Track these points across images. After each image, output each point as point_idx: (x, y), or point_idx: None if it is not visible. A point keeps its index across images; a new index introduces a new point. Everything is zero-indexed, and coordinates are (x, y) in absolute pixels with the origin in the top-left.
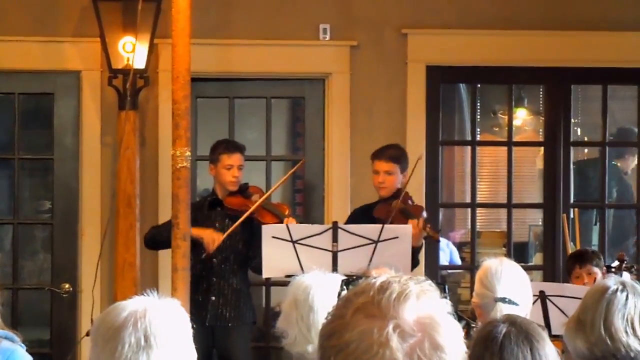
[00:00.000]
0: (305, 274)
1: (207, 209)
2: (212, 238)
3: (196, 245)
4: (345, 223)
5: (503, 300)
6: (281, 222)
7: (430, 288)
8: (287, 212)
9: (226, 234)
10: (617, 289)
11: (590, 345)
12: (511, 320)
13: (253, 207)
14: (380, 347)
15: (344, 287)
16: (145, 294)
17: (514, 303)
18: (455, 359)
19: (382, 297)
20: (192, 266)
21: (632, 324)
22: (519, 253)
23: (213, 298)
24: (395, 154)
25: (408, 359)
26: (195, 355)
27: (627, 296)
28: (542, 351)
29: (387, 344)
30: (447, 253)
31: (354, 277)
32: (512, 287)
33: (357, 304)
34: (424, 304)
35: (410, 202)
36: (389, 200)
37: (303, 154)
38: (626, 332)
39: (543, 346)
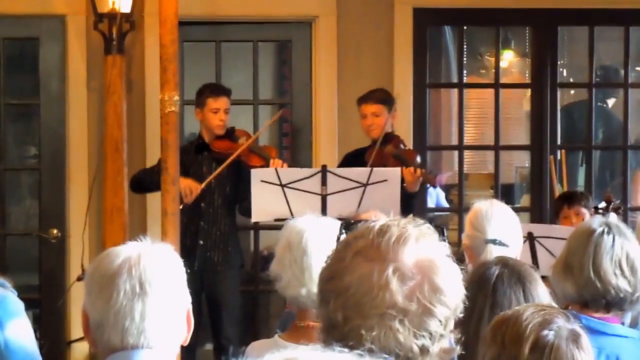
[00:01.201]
0: (298, 217)
1: (194, 153)
2: (190, 188)
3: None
4: (338, 166)
5: (493, 241)
6: (268, 164)
7: (428, 231)
8: (274, 155)
9: (204, 184)
10: (603, 231)
11: (579, 288)
12: (503, 262)
13: (239, 150)
14: (380, 290)
15: (343, 230)
16: (137, 240)
17: (504, 244)
18: (454, 300)
19: (382, 240)
20: (180, 210)
21: (620, 265)
22: (506, 195)
23: (201, 242)
24: (381, 95)
25: (408, 301)
26: (189, 299)
27: (613, 238)
28: (534, 292)
29: (387, 287)
30: (434, 195)
31: (353, 221)
32: (502, 228)
33: (357, 247)
34: (422, 247)
35: (402, 146)
36: (381, 145)
37: (290, 97)
38: (615, 273)
39: (535, 287)
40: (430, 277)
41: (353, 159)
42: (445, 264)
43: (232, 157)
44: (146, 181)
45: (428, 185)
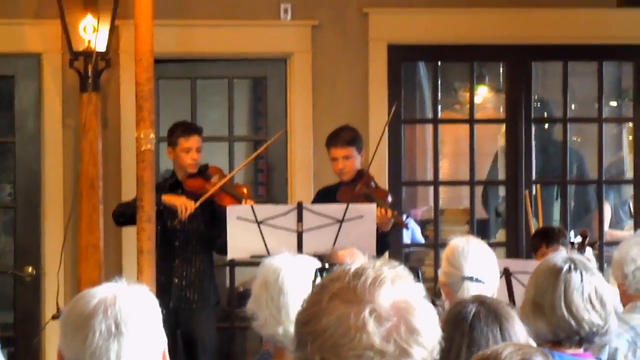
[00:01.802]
0: (275, 255)
1: (168, 190)
2: (185, 205)
3: (163, 214)
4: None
5: (470, 278)
6: (240, 204)
7: (404, 273)
8: (246, 194)
9: (199, 201)
10: (569, 268)
11: (553, 327)
12: (480, 300)
13: (211, 192)
14: (357, 332)
15: (319, 274)
16: (113, 280)
17: (480, 281)
18: (431, 341)
19: (358, 282)
20: (156, 246)
21: (591, 300)
22: (481, 230)
23: (176, 280)
24: (349, 136)
25: (385, 343)
26: (165, 340)
27: (581, 274)
28: (511, 330)
29: (364, 328)
30: (410, 231)
31: (329, 265)
32: (479, 265)
33: (333, 289)
34: (398, 289)
35: (372, 184)
36: (352, 183)
37: (265, 133)
38: (587, 309)
39: (512, 325)
40: (407, 319)
41: (324, 196)
42: (421, 305)
43: (203, 198)
44: (128, 212)
45: (402, 227)
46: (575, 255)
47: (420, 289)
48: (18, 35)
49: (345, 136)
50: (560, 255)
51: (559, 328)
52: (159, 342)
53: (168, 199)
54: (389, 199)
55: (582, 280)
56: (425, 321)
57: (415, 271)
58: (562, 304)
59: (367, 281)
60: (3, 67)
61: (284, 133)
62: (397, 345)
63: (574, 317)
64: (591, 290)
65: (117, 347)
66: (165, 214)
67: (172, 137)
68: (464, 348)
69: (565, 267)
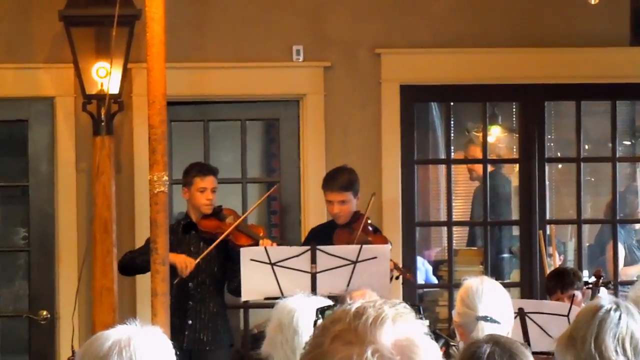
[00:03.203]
0: (289, 297)
1: (182, 232)
2: (185, 263)
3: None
4: (303, 243)
5: (484, 318)
6: (256, 243)
7: (405, 310)
8: (262, 234)
9: (199, 258)
10: (610, 308)
11: None
12: (494, 340)
13: (228, 230)
14: None
15: (319, 315)
16: (127, 323)
17: (495, 321)
18: None
19: (359, 322)
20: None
21: (623, 343)
22: (496, 270)
23: (190, 322)
24: (345, 181)
25: None
26: None
27: (620, 316)
28: None
29: None
30: (423, 271)
31: (330, 305)
32: (493, 305)
33: (334, 331)
34: (400, 327)
35: (370, 228)
36: (348, 226)
37: (279, 175)
38: (616, 351)
39: None
40: (410, 357)
41: (318, 235)
42: (424, 342)
43: (221, 237)
44: (134, 264)
45: (408, 280)
46: (624, 301)
47: (422, 326)
48: (31, 79)
49: (341, 181)
50: (609, 297)
51: None
52: None
53: (170, 257)
54: (389, 247)
55: (619, 321)
56: (429, 358)
57: (416, 308)
58: (592, 340)
59: (368, 321)
60: (16, 111)
61: (275, 189)
62: None
63: (601, 356)
64: (627, 334)
65: None
66: (185, 240)
67: (188, 177)
68: None
69: (607, 306)
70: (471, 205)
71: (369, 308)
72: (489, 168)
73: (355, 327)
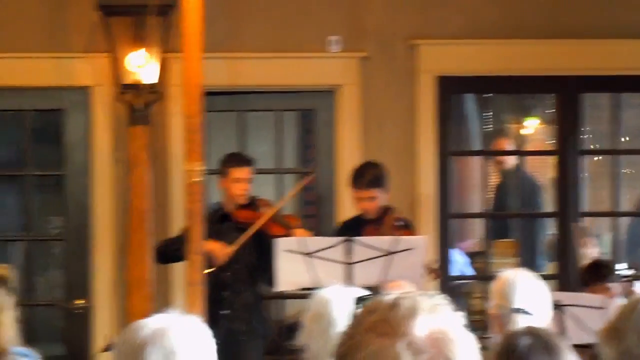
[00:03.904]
0: (325, 288)
1: (217, 222)
2: (221, 251)
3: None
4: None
5: (519, 311)
6: (290, 233)
7: (442, 302)
8: (296, 224)
9: (235, 247)
10: None
11: (619, 354)
12: (532, 332)
13: (262, 220)
14: None
15: (357, 305)
16: (164, 311)
17: (530, 314)
18: None
19: (393, 314)
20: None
21: None
22: (529, 263)
23: (225, 312)
24: (372, 177)
25: None
26: None
27: None
28: None
29: None
30: (459, 263)
31: (367, 295)
32: (528, 297)
33: (368, 322)
34: (435, 319)
35: (399, 223)
36: (376, 221)
37: (314, 166)
38: None
39: (564, 357)
40: (444, 350)
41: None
42: (460, 335)
43: (256, 227)
44: (170, 252)
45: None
46: None
47: (459, 317)
48: (68, 68)
49: (369, 178)
50: None
51: (625, 355)
52: None
53: (205, 245)
54: (425, 238)
55: None
56: (464, 351)
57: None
58: (632, 331)
59: (402, 312)
60: (53, 101)
61: (310, 178)
62: None
63: None
64: None
65: None
66: (220, 230)
67: (223, 167)
68: None
69: None
70: (494, 198)
71: (404, 299)
72: (515, 161)
73: (389, 318)
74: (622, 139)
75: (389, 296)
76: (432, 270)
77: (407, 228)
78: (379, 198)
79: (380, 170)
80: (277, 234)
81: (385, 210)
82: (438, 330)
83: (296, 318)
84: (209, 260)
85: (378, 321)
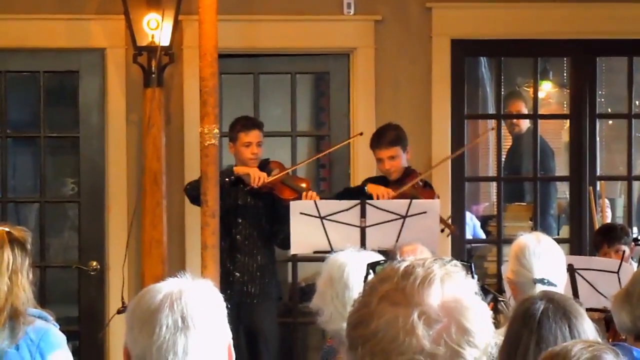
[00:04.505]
0: (338, 251)
1: (229, 185)
2: (259, 174)
3: (230, 194)
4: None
5: (542, 281)
6: (300, 197)
7: (455, 269)
8: (306, 187)
9: (271, 178)
10: None
11: (634, 317)
12: (548, 297)
13: (269, 180)
14: (407, 335)
15: (370, 271)
16: (177, 275)
17: (552, 284)
18: (483, 341)
19: (406, 283)
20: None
21: None
22: (543, 226)
23: (238, 274)
24: (392, 136)
25: (435, 345)
26: (230, 335)
27: None
28: (580, 327)
29: (413, 332)
30: (471, 227)
31: (380, 261)
32: (550, 267)
33: (382, 291)
34: (448, 288)
35: (420, 183)
36: (399, 182)
37: (328, 129)
38: None
39: (581, 322)
40: (458, 319)
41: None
42: (472, 303)
43: (260, 185)
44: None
45: (452, 233)
46: None
47: (472, 285)
48: (82, 30)
49: (389, 136)
50: None
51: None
52: (225, 336)
53: (241, 169)
54: (438, 202)
55: None
56: (477, 320)
57: (467, 266)
58: None
59: (416, 281)
60: (67, 62)
61: (359, 136)
62: (448, 347)
63: None
64: None
65: (184, 340)
66: (232, 193)
67: (233, 132)
68: (532, 345)
69: None
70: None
71: (417, 267)
72: (528, 125)
73: (402, 287)
74: (637, 102)
75: (403, 263)
76: (447, 225)
77: (429, 188)
78: (400, 157)
79: (400, 130)
80: (287, 197)
81: (408, 171)
82: (452, 298)
83: (310, 281)
84: (226, 226)
85: (391, 290)
